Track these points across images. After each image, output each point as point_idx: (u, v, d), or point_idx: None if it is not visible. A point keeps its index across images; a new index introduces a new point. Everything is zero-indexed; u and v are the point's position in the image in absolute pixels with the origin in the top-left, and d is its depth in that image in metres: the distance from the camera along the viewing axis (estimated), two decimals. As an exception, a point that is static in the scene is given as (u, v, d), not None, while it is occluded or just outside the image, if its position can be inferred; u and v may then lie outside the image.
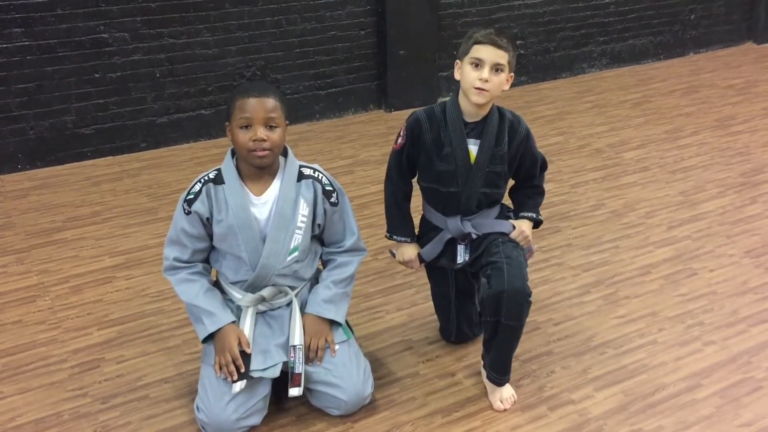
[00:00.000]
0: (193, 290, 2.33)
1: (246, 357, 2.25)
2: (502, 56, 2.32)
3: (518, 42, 5.86)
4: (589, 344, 2.79)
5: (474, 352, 2.73)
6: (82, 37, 4.40)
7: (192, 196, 2.28)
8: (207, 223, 2.31)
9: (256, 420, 2.31)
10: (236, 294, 2.38)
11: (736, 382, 2.59)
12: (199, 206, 2.27)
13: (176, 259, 2.35)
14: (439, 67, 5.56)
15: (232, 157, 2.34)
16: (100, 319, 2.97)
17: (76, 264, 3.39)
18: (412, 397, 2.53)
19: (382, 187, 2.64)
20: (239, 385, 2.23)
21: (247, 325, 2.32)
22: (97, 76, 4.51)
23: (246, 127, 2.20)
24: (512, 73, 2.40)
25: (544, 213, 3.85)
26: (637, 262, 3.37)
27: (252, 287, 2.36)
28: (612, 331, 2.88)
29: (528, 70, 6.04)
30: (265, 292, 2.36)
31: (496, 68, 2.33)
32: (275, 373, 2.29)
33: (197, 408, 2.30)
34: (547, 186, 4.18)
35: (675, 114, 5.28)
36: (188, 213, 2.28)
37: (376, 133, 5.02)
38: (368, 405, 2.47)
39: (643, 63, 6.57)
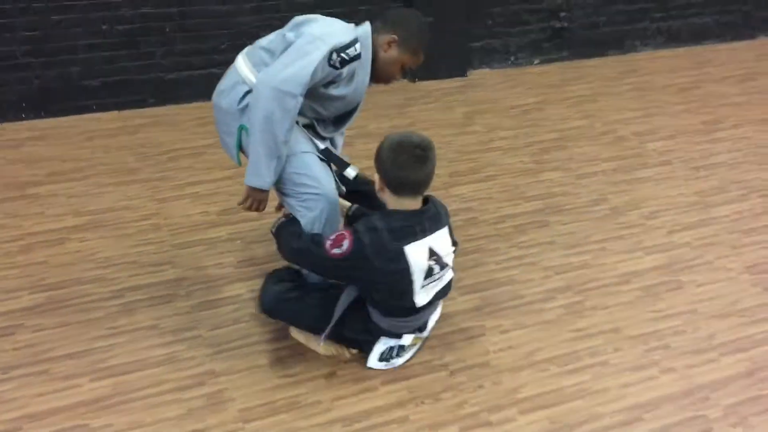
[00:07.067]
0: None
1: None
2: None
3: (562, 14, 5.46)
4: (531, 359, 2.54)
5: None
6: (88, -13, 4.32)
7: (348, 59, 2.38)
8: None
9: None
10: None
11: (684, 421, 2.29)
12: (346, 69, 2.40)
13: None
14: (470, 38, 5.23)
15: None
16: (35, 283, 2.90)
17: (38, 221, 3.34)
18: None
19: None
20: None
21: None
22: (104, 27, 4.44)
23: (402, 67, 2.56)
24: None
25: (538, 204, 3.56)
26: (620, 268, 3.05)
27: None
28: (562, 346, 2.61)
29: (571, 44, 5.62)
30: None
31: None
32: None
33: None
34: (551, 174, 3.93)
35: (720, 103, 4.80)
36: (335, 68, 2.36)
37: (394, 104, 4.77)
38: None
39: (703, 44, 6.02)
